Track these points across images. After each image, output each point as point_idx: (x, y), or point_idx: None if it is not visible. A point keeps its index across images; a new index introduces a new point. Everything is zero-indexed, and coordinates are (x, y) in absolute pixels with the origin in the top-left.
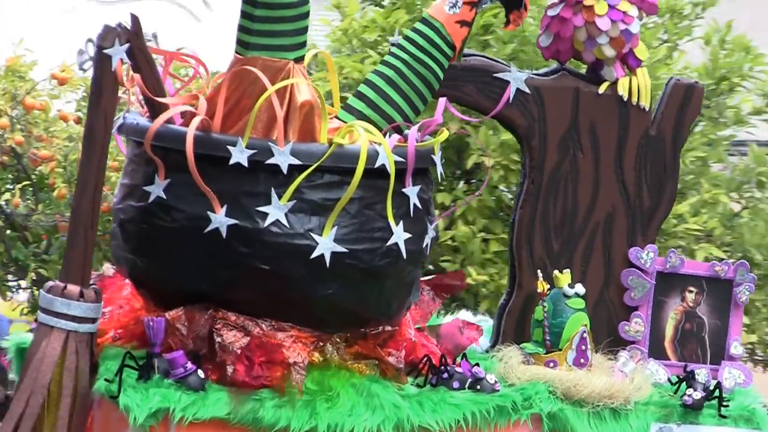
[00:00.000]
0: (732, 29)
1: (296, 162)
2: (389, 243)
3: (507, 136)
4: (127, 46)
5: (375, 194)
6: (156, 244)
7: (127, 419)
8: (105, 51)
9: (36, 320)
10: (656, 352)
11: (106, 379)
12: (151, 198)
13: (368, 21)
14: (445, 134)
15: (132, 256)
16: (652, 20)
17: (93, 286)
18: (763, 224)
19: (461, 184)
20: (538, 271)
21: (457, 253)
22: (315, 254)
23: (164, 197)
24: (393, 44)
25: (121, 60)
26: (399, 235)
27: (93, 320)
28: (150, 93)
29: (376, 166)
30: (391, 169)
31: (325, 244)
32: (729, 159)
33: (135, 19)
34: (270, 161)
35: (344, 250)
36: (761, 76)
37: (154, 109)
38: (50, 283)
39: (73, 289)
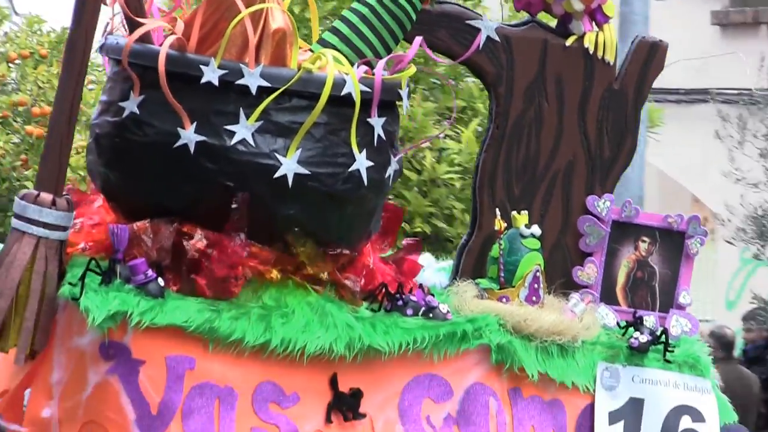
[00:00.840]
0: None
1: (265, 84)
2: (351, 169)
3: None
4: None
5: (340, 121)
6: (128, 158)
7: (86, 321)
8: None
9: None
10: (607, 297)
11: (70, 283)
12: (125, 113)
13: None
14: (412, 70)
15: (104, 169)
16: None
17: (66, 196)
18: None
19: None
20: (497, 210)
21: None
22: (278, 174)
23: (137, 112)
24: None
25: None
26: (361, 162)
27: (64, 228)
28: (131, 13)
29: (342, 93)
30: (357, 98)
31: (289, 165)
32: None
33: None
34: (240, 82)
35: (307, 172)
36: None
37: (133, 30)
38: (24, 191)
39: (46, 197)
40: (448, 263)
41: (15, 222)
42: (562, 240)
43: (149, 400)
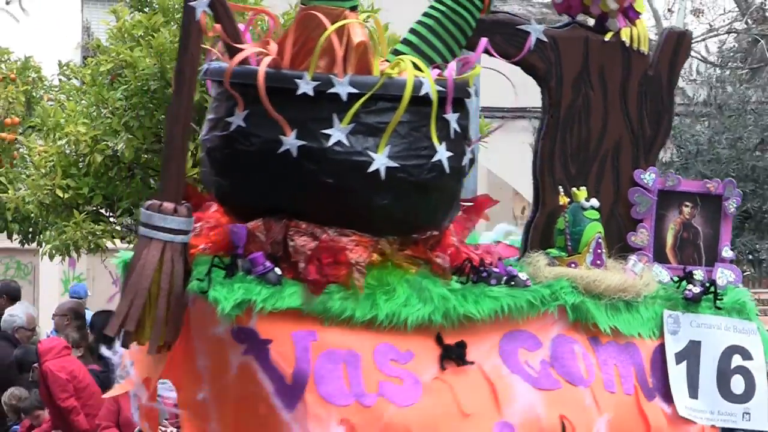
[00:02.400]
0: None
1: (354, 91)
2: (434, 160)
3: None
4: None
5: (421, 119)
6: (237, 166)
7: (216, 312)
8: (190, 3)
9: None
10: (659, 257)
11: (198, 279)
12: (232, 127)
13: (136, 21)
14: (478, 69)
15: (217, 178)
16: None
17: (185, 204)
18: None
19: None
20: (560, 188)
21: (199, 183)
22: (371, 168)
23: (244, 125)
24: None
25: (204, 11)
26: (442, 153)
27: (185, 232)
28: (229, 39)
29: (421, 94)
30: (434, 97)
31: (380, 160)
32: None
33: None
34: (331, 90)
35: (396, 165)
36: None
37: (232, 55)
38: (149, 201)
39: (168, 206)
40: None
41: (142, 230)
42: (615, 210)
43: (283, 373)
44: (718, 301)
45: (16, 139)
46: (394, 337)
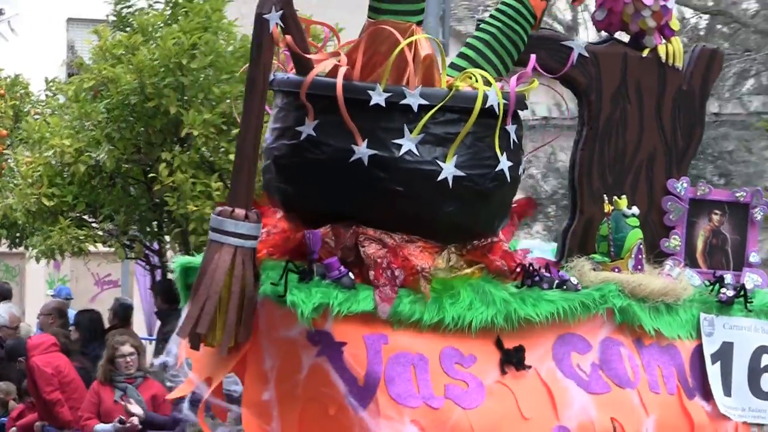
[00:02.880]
0: None
1: (424, 102)
2: (497, 169)
3: (208, 115)
4: (281, 12)
5: (484, 130)
6: (307, 173)
7: (291, 315)
8: (264, 16)
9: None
10: (690, 262)
11: (272, 283)
12: (303, 136)
13: (117, 41)
14: (535, 84)
15: (284, 185)
16: None
17: (255, 210)
18: None
19: (177, 147)
20: (604, 196)
21: (175, 191)
22: (440, 177)
23: (314, 134)
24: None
25: (276, 24)
26: (504, 163)
27: (255, 237)
28: (299, 50)
29: (486, 106)
30: (500, 109)
31: (448, 169)
32: None
33: None
34: (403, 102)
35: (463, 174)
36: None
37: (300, 65)
38: (219, 208)
39: (240, 212)
40: (554, 245)
41: (213, 235)
42: (649, 217)
43: (356, 374)
44: (748, 304)
45: (4, 150)
46: (458, 341)
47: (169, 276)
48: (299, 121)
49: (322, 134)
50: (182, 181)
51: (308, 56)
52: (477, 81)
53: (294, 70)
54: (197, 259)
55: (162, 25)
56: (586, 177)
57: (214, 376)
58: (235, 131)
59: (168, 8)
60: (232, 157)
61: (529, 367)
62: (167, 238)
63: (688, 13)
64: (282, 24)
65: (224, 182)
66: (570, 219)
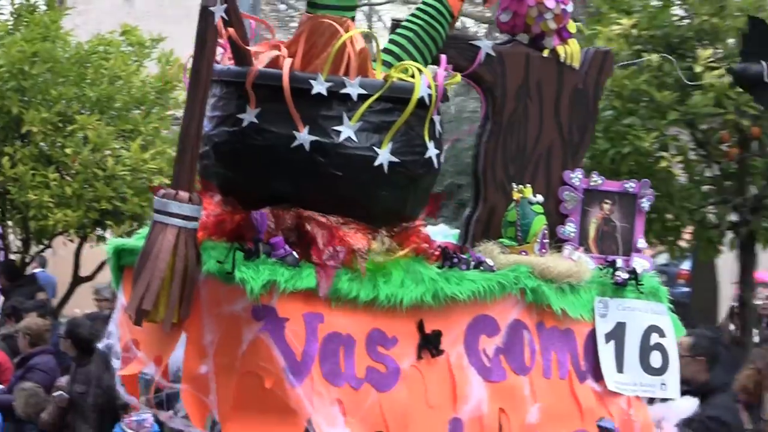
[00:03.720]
0: None
1: (363, 92)
2: (425, 156)
3: (46, 114)
4: (225, 6)
5: (415, 119)
6: (249, 158)
7: (236, 291)
8: (209, 8)
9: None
10: (584, 247)
11: (218, 261)
12: (245, 123)
13: None
14: (458, 78)
15: (224, 170)
16: None
17: (195, 193)
18: None
19: (18, 142)
20: (513, 184)
21: (17, 182)
22: (377, 162)
23: (256, 122)
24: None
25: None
26: (432, 151)
27: (197, 219)
28: (241, 43)
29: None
30: (433, 101)
31: (384, 155)
32: None
33: None
34: (343, 91)
35: (397, 160)
36: None
37: (240, 57)
38: (163, 191)
39: (184, 194)
40: (456, 231)
41: (157, 216)
42: (547, 206)
43: (294, 350)
44: (640, 286)
45: None
46: (386, 322)
47: (11, 257)
48: (240, 109)
49: (264, 121)
50: (23, 173)
51: (248, 48)
52: (413, 73)
53: (231, 61)
54: (129, 241)
55: (4, 34)
56: (490, 168)
57: (163, 353)
58: (70, 128)
59: (12, 19)
60: (68, 151)
61: (442, 351)
62: (10, 223)
63: (469, 22)
64: (225, 17)
65: (60, 174)
66: (473, 207)
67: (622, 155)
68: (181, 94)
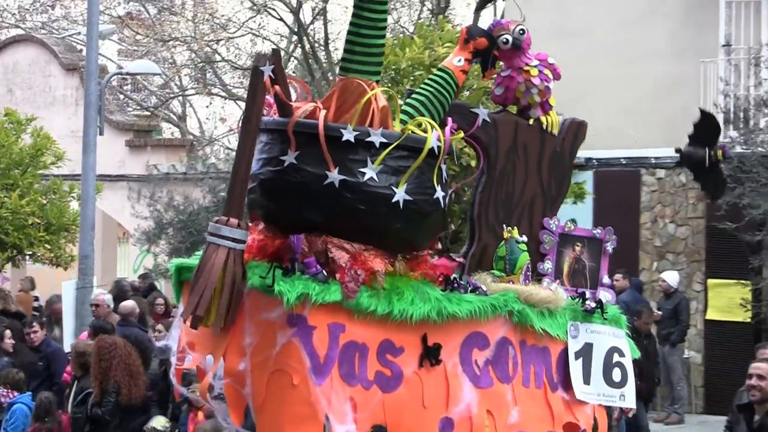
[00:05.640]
0: None
1: (384, 140)
2: (434, 196)
3: None
4: (272, 66)
5: (426, 166)
6: (288, 193)
7: (275, 301)
8: (260, 68)
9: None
10: (558, 281)
11: (261, 277)
12: (286, 163)
13: None
14: (461, 134)
15: (267, 202)
16: None
17: (244, 220)
18: None
19: None
20: (504, 225)
21: None
22: (394, 199)
23: (295, 162)
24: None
25: (269, 76)
26: (439, 193)
27: (244, 242)
28: (284, 98)
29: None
30: (442, 151)
31: (400, 194)
32: None
33: (276, 52)
34: (368, 139)
35: (410, 198)
36: None
37: (283, 109)
38: (217, 217)
39: (234, 220)
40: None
41: (210, 238)
42: (529, 246)
43: (319, 354)
44: (605, 314)
45: None
46: (395, 334)
47: None
48: (282, 152)
49: (301, 162)
50: None
51: (291, 103)
52: (425, 127)
53: (276, 113)
54: (188, 261)
55: None
56: (484, 213)
57: (215, 353)
58: None
59: None
60: None
61: (440, 361)
62: None
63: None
64: (272, 75)
65: None
66: (468, 244)
67: None
68: (49, 159)
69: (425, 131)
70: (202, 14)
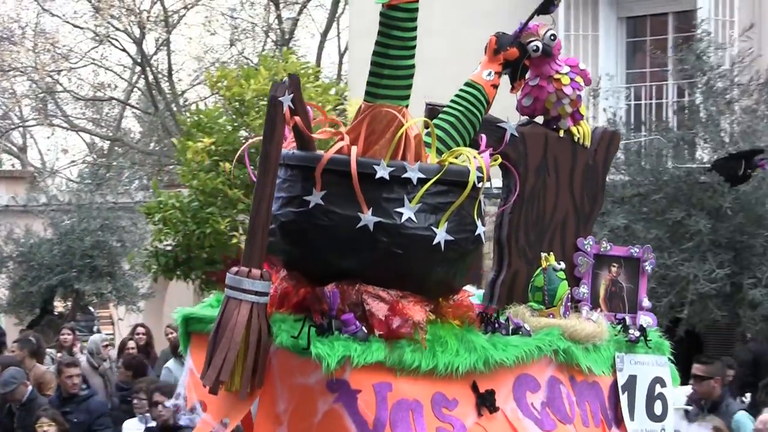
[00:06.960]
0: None
1: (422, 176)
2: (476, 233)
3: None
4: (291, 95)
5: (466, 200)
6: (315, 237)
7: (309, 364)
8: (279, 99)
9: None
10: (594, 305)
11: (292, 336)
12: (311, 204)
13: None
14: (499, 160)
15: (290, 247)
16: None
17: (265, 270)
18: None
19: None
20: (541, 253)
21: None
22: (435, 241)
23: (322, 203)
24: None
25: (288, 106)
26: (481, 228)
27: (268, 294)
28: (305, 129)
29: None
30: (483, 184)
31: (441, 235)
32: None
33: (295, 78)
34: (405, 175)
35: (452, 238)
36: None
37: (303, 142)
38: (236, 268)
39: (256, 272)
40: (480, 291)
41: (230, 292)
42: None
43: (366, 419)
44: (648, 342)
45: None
46: (444, 386)
47: None
48: (306, 190)
49: (329, 203)
50: None
51: (312, 135)
52: (467, 159)
53: (294, 145)
54: (196, 310)
55: None
56: (513, 235)
57: (232, 417)
58: None
59: None
60: None
61: (498, 408)
62: None
63: None
64: (292, 105)
65: None
66: (497, 270)
67: (206, 234)
68: None
69: (463, 161)
70: (43, 44)
